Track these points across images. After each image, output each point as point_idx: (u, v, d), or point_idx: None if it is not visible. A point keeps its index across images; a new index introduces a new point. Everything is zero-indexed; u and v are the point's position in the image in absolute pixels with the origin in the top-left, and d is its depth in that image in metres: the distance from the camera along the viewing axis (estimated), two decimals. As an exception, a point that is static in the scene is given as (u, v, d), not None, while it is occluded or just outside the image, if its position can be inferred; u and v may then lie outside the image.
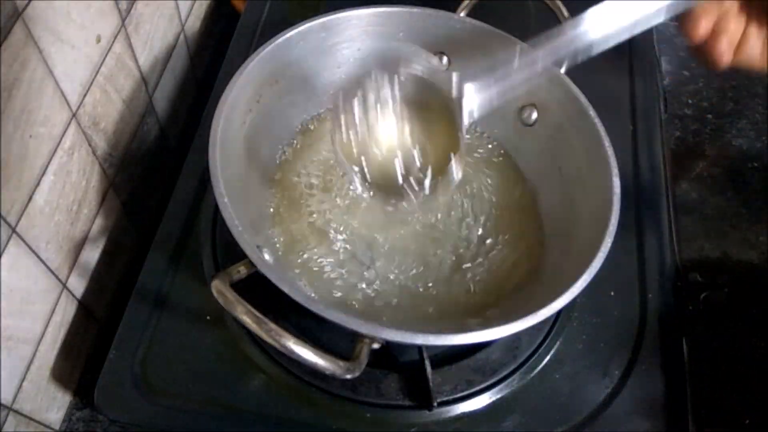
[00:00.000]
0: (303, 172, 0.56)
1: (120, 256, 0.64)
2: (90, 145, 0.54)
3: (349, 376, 0.38)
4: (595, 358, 0.51)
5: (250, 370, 0.49)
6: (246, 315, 0.37)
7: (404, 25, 0.56)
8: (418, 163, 0.46)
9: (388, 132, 0.46)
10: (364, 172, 0.46)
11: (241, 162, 0.49)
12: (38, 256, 0.49)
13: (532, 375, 0.50)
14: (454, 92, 0.43)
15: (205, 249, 0.54)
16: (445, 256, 0.52)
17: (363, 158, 0.46)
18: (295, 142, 0.57)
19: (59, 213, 0.51)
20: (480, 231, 0.54)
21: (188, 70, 0.74)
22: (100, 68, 0.53)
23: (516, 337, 0.50)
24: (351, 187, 0.53)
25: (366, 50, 0.57)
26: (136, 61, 0.60)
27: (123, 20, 0.55)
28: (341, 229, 0.53)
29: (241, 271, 0.41)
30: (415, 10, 0.55)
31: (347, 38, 0.56)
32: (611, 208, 0.45)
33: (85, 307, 0.58)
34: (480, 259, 0.52)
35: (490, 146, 0.59)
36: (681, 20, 0.41)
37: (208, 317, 0.51)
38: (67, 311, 0.55)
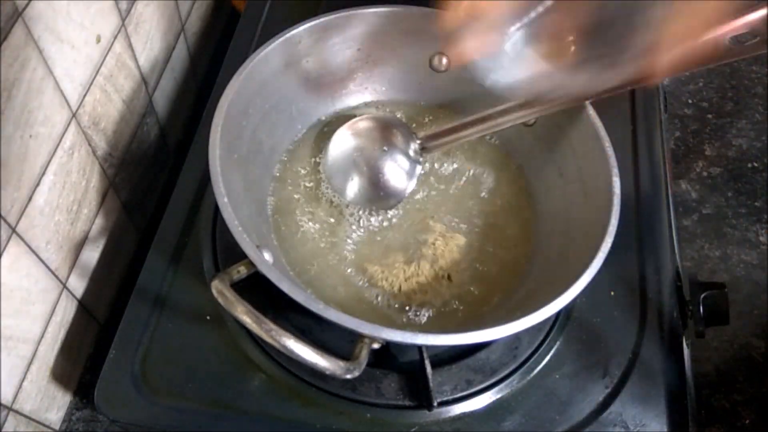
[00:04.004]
0: (303, 173, 0.56)
1: (120, 256, 0.64)
2: (90, 145, 0.54)
3: (349, 376, 0.38)
4: (595, 358, 0.51)
5: (250, 370, 0.49)
6: (246, 315, 0.37)
7: (404, 25, 0.56)
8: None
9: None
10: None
11: (241, 162, 0.49)
12: (38, 256, 0.49)
13: (532, 375, 0.50)
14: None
15: (205, 249, 0.54)
16: (442, 257, 0.52)
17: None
18: (295, 142, 0.57)
19: (59, 213, 0.51)
20: (476, 230, 0.54)
21: (188, 70, 0.74)
22: (100, 68, 0.53)
23: (516, 337, 0.50)
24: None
25: (366, 50, 0.57)
26: (136, 61, 0.60)
27: (123, 20, 0.55)
28: (341, 228, 0.53)
29: (241, 271, 0.41)
30: (415, 10, 0.55)
31: (347, 38, 0.56)
32: (611, 208, 0.45)
33: (85, 307, 0.58)
34: (477, 256, 0.53)
35: (489, 146, 0.59)
36: None
37: (208, 317, 0.51)
38: (67, 311, 0.55)
